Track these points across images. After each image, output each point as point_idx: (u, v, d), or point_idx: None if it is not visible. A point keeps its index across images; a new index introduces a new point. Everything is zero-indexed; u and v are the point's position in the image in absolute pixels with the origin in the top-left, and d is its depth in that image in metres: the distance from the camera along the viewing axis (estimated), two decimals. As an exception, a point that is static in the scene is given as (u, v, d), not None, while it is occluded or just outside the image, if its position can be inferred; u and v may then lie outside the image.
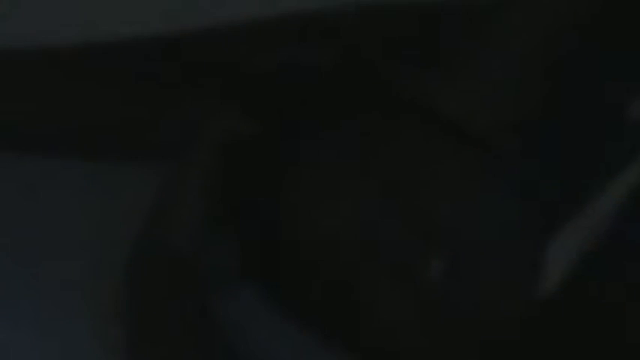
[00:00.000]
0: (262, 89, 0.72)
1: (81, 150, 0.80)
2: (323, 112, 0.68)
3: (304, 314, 0.64)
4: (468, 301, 0.59)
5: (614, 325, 0.59)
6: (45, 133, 0.81)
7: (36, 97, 0.79)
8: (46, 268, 0.71)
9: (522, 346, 0.60)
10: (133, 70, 0.80)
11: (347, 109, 0.67)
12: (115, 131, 0.79)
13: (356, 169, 0.63)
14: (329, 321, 0.63)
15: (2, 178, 0.77)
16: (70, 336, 0.65)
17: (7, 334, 0.67)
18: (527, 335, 0.59)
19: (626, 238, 0.60)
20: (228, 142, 0.66)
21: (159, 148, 0.77)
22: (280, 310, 0.64)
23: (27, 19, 0.78)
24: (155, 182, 0.67)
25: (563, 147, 0.65)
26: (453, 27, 0.72)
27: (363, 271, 0.61)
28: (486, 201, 0.62)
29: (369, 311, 0.61)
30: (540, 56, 0.66)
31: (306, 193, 0.63)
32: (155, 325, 0.64)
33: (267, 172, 0.66)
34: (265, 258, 0.65)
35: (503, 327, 0.59)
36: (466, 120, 0.64)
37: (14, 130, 0.81)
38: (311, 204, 0.63)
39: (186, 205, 0.65)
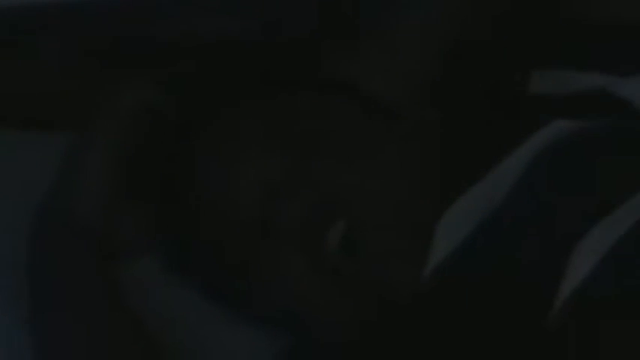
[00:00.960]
0: (187, 59, 0.73)
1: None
2: (242, 85, 0.69)
3: (208, 287, 0.67)
4: (367, 268, 0.61)
5: (502, 295, 0.61)
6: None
7: None
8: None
9: (415, 312, 0.62)
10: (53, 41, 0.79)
11: (266, 83, 0.68)
12: (29, 101, 0.79)
13: (263, 142, 0.64)
14: (232, 295, 0.66)
15: None
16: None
17: None
18: (419, 301, 0.62)
19: (518, 214, 0.62)
20: (139, 112, 0.66)
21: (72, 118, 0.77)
22: (185, 281, 0.67)
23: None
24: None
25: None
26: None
27: (262, 248, 0.63)
28: (389, 171, 0.64)
29: (269, 284, 0.64)
30: (452, 30, 0.68)
31: (211, 165, 0.65)
32: (60, 293, 0.65)
33: (177, 144, 0.67)
34: (171, 230, 0.67)
35: (398, 293, 0.62)
36: (382, 91, 0.67)
37: None
38: (215, 178, 0.65)
39: (94, 174, 0.65)
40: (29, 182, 0.70)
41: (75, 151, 0.67)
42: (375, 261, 0.62)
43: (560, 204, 0.60)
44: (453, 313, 0.61)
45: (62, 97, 0.78)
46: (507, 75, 0.70)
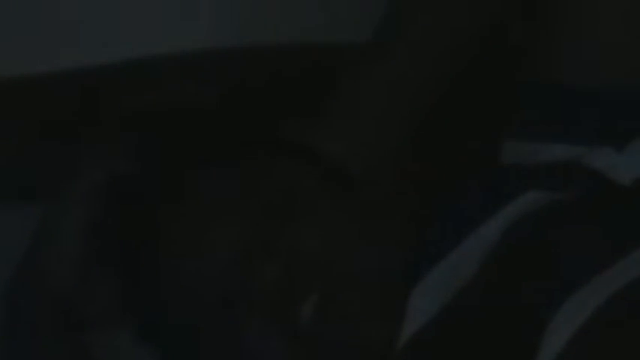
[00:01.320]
0: (146, 127, 0.73)
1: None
2: (203, 151, 0.69)
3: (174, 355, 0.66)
4: (338, 340, 0.61)
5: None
6: None
7: None
8: None
9: None
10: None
11: (227, 149, 0.69)
12: None
13: (228, 210, 0.64)
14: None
15: None
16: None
17: None
18: None
19: (489, 288, 0.62)
20: (109, 182, 0.67)
21: (42, 189, 0.78)
22: (155, 354, 0.66)
23: None
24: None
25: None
26: (333, 68, 0.74)
27: (232, 318, 0.62)
28: (360, 243, 0.64)
29: (239, 353, 0.63)
30: (415, 97, 0.69)
31: (177, 236, 0.65)
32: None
33: (144, 213, 0.67)
34: (140, 301, 0.67)
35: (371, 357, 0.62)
36: (344, 159, 0.66)
37: None
38: (179, 249, 0.64)
39: (65, 244, 0.65)
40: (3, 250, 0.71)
41: (47, 220, 0.68)
42: (347, 325, 0.62)
43: (529, 277, 0.61)
44: None
45: (31, 169, 0.79)
46: (478, 144, 0.72)
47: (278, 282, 0.61)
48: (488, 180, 0.68)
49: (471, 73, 0.71)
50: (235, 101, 0.75)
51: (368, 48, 0.71)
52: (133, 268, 0.67)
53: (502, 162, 0.69)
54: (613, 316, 0.56)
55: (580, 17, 0.68)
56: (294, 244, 0.62)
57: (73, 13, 0.83)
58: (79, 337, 0.66)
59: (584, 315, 0.55)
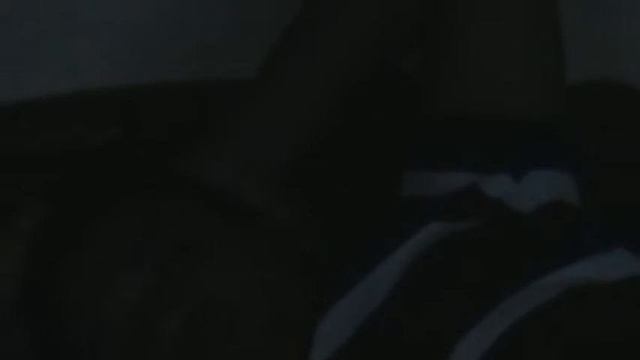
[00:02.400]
0: (48, 168, 0.73)
1: None
2: (99, 194, 0.69)
3: None
4: None
5: None
6: None
7: None
8: None
9: None
10: None
11: (122, 190, 0.69)
12: None
13: (129, 253, 0.65)
14: None
15: None
16: None
17: None
18: None
19: (395, 318, 0.63)
20: (35, 229, 0.68)
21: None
22: None
23: None
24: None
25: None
26: (222, 103, 0.77)
27: None
28: (255, 273, 0.65)
29: None
30: (307, 123, 0.73)
31: (75, 295, 0.66)
32: None
33: (50, 258, 0.67)
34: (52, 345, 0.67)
35: None
36: (233, 190, 0.69)
37: None
38: (77, 310, 0.65)
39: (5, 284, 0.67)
40: None
41: None
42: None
43: (434, 307, 0.62)
44: None
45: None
46: (378, 177, 0.73)
47: (182, 332, 0.62)
48: (391, 214, 0.70)
49: (359, 108, 0.73)
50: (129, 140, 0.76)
51: (251, 85, 0.75)
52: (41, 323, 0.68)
53: (402, 193, 0.71)
54: (516, 342, 0.57)
55: (474, 53, 0.72)
56: (198, 291, 0.63)
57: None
58: None
59: (489, 341, 0.57)
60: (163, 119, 0.78)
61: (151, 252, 0.63)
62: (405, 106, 0.78)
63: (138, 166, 0.73)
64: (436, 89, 0.74)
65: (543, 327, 0.59)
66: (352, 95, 0.74)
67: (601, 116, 0.86)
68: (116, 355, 0.62)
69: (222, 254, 0.65)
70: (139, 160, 0.74)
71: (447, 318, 0.60)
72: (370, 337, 0.62)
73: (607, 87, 0.87)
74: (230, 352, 0.61)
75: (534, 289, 0.61)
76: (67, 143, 0.76)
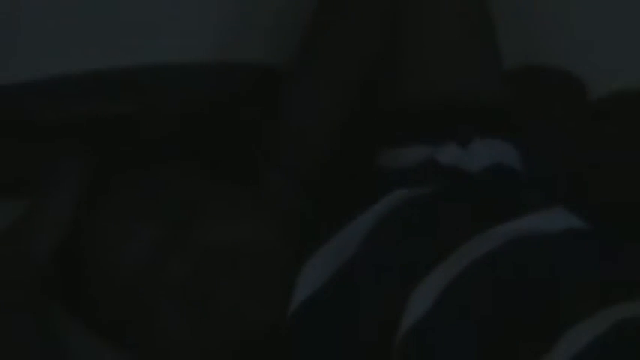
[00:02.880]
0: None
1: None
2: (115, 161, 0.80)
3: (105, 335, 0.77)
4: (232, 312, 0.71)
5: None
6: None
7: None
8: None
9: (274, 348, 0.72)
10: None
11: (134, 157, 0.79)
12: None
13: (145, 209, 0.74)
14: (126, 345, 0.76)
15: None
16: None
17: None
18: (277, 338, 0.72)
19: (366, 264, 0.72)
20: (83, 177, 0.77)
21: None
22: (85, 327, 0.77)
23: None
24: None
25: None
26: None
27: (145, 306, 0.73)
28: (250, 226, 0.76)
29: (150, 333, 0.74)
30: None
31: (99, 231, 0.75)
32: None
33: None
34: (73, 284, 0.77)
35: (259, 332, 0.72)
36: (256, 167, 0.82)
37: None
38: (100, 244, 0.75)
39: (41, 244, 0.75)
40: None
41: (29, 212, 0.77)
42: (240, 303, 0.72)
43: (401, 252, 0.72)
44: (307, 349, 0.72)
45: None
46: (362, 154, 0.85)
47: (188, 274, 0.71)
48: (366, 182, 0.81)
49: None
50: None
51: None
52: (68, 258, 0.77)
53: (376, 166, 0.83)
54: (471, 281, 0.68)
55: (422, 52, 0.87)
56: (201, 239, 0.72)
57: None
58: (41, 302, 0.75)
59: (448, 278, 0.68)
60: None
61: (161, 208, 0.74)
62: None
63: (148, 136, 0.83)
64: (391, 85, 0.88)
65: (492, 268, 0.68)
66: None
67: (541, 97, 0.97)
68: (133, 297, 0.72)
69: (222, 210, 0.75)
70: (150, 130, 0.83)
71: (411, 260, 0.70)
72: (346, 278, 0.71)
73: (543, 70, 0.98)
74: (229, 289, 0.70)
75: (485, 238, 0.70)
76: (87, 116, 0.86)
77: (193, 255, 0.71)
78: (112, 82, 0.92)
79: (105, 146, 0.83)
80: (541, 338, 0.64)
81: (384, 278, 0.71)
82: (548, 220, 0.74)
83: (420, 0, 0.88)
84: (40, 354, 0.75)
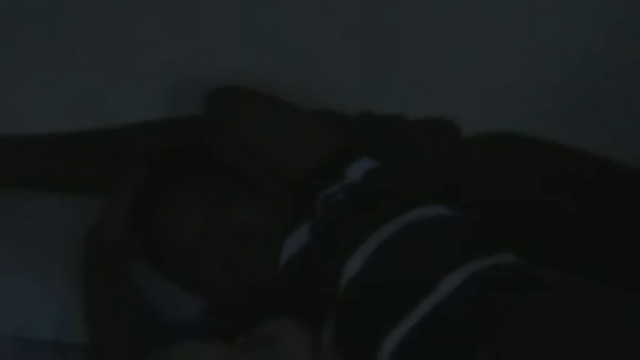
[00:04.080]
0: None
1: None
2: (174, 170, 1.20)
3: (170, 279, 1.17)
4: (248, 267, 1.11)
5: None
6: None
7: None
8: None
9: (273, 289, 1.12)
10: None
11: (187, 169, 1.20)
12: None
13: (195, 202, 1.14)
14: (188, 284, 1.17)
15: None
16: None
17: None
18: (275, 288, 1.12)
19: (324, 237, 1.11)
20: (137, 184, 1.18)
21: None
22: (164, 277, 1.17)
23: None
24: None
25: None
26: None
27: (197, 262, 1.11)
28: (258, 213, 1.15)
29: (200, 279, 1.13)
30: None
31: (166, 214, 1.15)
32: (99, 293, 1.13)
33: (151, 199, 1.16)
34: (151, 247, 1.16)
35: (264, 279, 1.12)
36: (259, 178, 1.20)
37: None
38: (163, 222, 1.15)
39: (116, 216, 1.16)
40: (78, 219, 1.21)
41: (105, 202, 1.16)
42: (253, 262, 1.11)
43: (340, 234, 1.10)
44: (292, 288, 1.12)
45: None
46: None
47: (223, 245, 1.10)
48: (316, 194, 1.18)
49: None
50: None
51: None
52: (147, 232, 1.16)
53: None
54: (381, 256, 1.04)
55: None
56: (229, 221, 1.12)
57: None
58: (120, 265, 1.14)
59: (370, 250, 1.04)
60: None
61: (205, 202, 1.13)
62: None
63: (196, 156, 1.25)
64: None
65: (398, 241, 1.04)
66: None
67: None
68: (189, 257, 1.11)
69: (241, 203, 1.14)
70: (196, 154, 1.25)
71: (348, 238, 1.08)
72: (310, 247, 1.12)
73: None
74: (246, 253, 1.09)
75: (392, 223, 1.07)
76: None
77: (224, 231, 1.11)
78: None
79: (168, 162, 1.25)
80: (427, 283, 1.00)
81: (329, 250, 1.10)
82: (429, 210, 1.13)
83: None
84: (127, 304, 1.12)
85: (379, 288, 1.06)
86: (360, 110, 1.38)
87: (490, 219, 1.16)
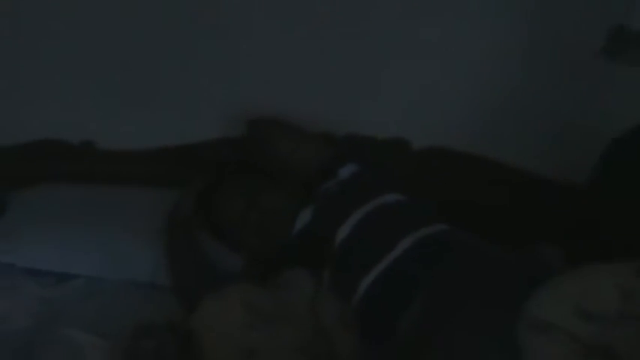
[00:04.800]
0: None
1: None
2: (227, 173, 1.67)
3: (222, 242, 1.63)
4: (271, 234, 1.56)
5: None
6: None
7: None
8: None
9: (291, 253, 1.56)
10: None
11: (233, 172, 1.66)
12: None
13: (238, 193, 1.59)
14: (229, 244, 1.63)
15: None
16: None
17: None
18: (291, 249, 1.57)
19: (321, 214, 1.56)
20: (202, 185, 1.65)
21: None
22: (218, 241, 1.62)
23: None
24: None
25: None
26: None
27: (243, 229, 1.58)
28: (279, 199, 1.60)
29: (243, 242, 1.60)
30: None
31: (221, 200, 1.61)
32: (177, 251, 1.57)
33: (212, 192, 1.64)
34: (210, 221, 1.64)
35: (280, 245, 1.58)
36: (281, 177, 1.65)
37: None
38: (220, 205, 1.60)
39: (189, 202, 1.61)
40: (162, 204, 1.66)
41: (182, 193, 1.63)
42: (275, 231, 1.54)
43: (334, 211, 1.50)
44: (303, 250, 1.52)
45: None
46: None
47: (257, 219, 1.55)
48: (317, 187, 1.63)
49: None
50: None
51: None
52: (209, 210, 1.61)
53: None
54: (362, 223, 1.43)
55: None
56: (262, 204, 1.55)
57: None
58: (192, 234, 1.58)
59: (352, 224, 1.43)
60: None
61: (246, 191, 1.57)
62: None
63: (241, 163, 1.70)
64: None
65: (369, 218, 1.44)
66: None
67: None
68: (235, 229, 1.56)
69: (269, 192, 1.58)
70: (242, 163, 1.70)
71: (339, 215, 1.45)
72: (312, 223, 1.53)
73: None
74: (271, 225, 1.53)
75: (367, 205, 1.45)
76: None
77: (257, 211, 1.55)
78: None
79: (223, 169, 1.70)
80: (388, 245, 1.35)
81: (327, 223, 1.47)
82: (391, 197, 1.51)
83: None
84: (194, 259, 1.53)
85: (358, 249, 1.40)
86: (345, 132, 1.82)
87: (430, 204, 1.55)
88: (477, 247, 1.33)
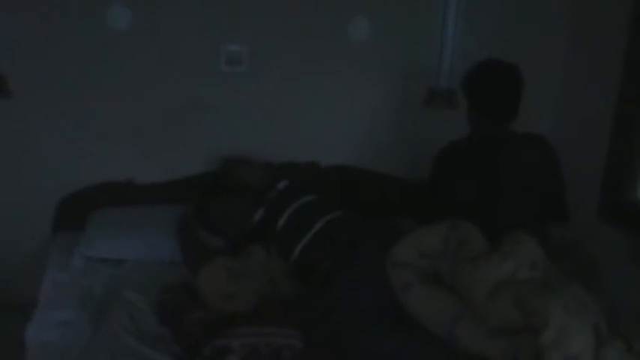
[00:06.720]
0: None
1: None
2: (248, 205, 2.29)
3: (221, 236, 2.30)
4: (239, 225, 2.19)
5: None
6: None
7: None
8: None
9: (252, 236, 2.21)
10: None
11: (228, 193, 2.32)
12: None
13: (236, 199, 2.21)
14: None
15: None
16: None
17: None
18: (252, 233, 2.21)
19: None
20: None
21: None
22: (209, 232, 2.27)
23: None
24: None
25: None
26: None
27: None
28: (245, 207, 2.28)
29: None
30: None
31: (209, 208, 2.26)
32: (185, 240, 2.17)
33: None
34: (203, 222, 2.24)
35: (246, 231, 2.19)
36: (243, 191, 2.32)
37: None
38: (208, 211, 2.25)
39: (189, 212, 2.26)
40: (175, 214, 2.33)
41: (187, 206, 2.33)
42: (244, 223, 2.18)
43: (276, 207, 2.12)
44: (259, 233, 2.19)
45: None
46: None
47: (231, 217, 2.15)
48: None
49: None
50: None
51: None
52: (203, 215, 2.26)
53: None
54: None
55: None
56: (233, 208, 2.16)
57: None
58: (195, 229, 2.21)
59: (287, 214, 2.05)
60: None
61: (223, 202, 2.15)
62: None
63: (219, 185, 2.32)
64: None
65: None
66: None
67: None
68: (218, 224, 2.17)
69: (238, 200, 2.15)
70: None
71: (278, 211, 2.05)
72: (266, 214, 2.13)
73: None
74: (239, 221, 2.12)
75: (294, 203, 2.03)
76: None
77: (231, 212, 2.15)
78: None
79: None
80: (309, 225, 1.92)
81: (272, 215, 2.07)
82: (308, 197, 2.06)
83: None
84: (195, 244, 2.06)
85: (292, 229, 1.96)
86: (280, 161, 2.46)
87: (333, 201, 2.15)
88: (364, 221, 1.91)
